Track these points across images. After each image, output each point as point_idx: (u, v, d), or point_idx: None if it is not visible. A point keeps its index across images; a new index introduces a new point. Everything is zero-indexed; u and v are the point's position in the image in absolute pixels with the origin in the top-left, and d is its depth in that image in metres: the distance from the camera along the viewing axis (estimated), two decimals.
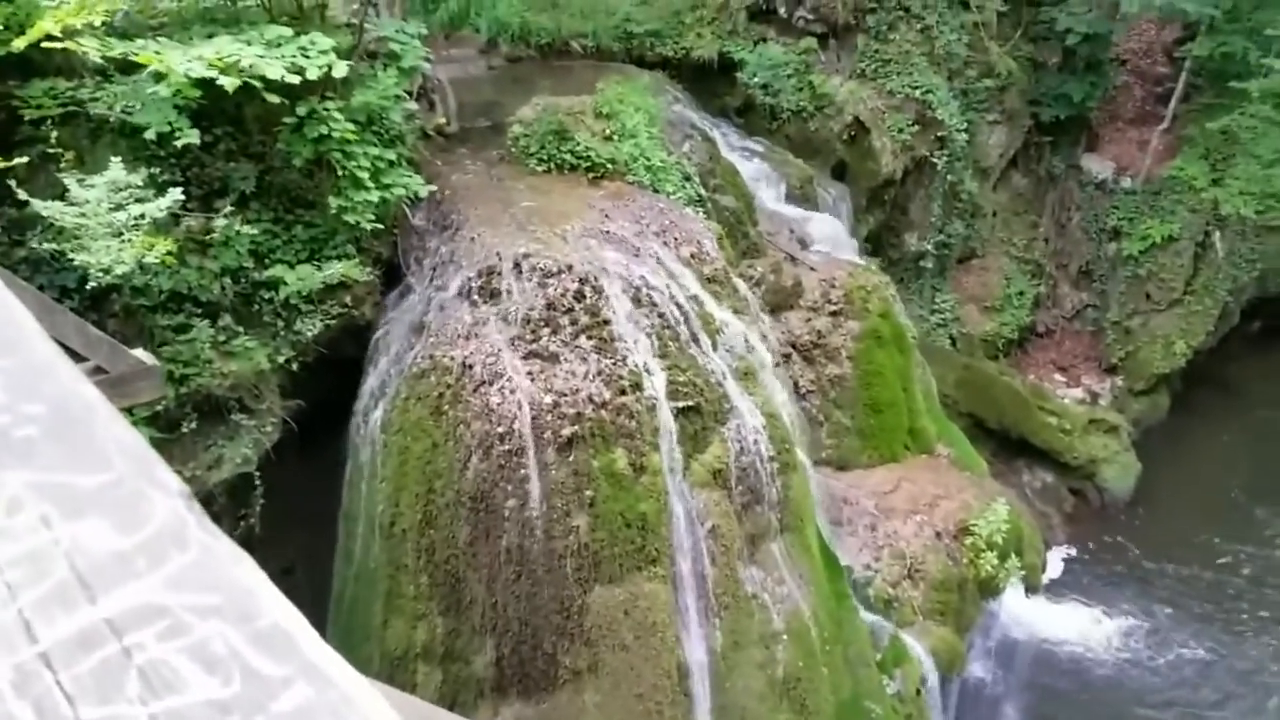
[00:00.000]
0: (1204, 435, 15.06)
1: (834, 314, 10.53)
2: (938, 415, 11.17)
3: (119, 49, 6.27)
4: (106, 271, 5.88)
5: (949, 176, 13.37)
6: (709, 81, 12.70)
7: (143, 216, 6.04)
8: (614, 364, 7.77)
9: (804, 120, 12.46)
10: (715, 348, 8.34)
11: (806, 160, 12.24)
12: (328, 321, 8.11)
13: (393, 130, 8.52)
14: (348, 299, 8.36)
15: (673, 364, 7.86)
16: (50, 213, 5.86)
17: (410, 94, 8.89)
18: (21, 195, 6.22)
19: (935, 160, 13.00)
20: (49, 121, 7.07)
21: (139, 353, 4.46)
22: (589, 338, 7.91)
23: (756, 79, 12.22)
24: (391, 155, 8.38)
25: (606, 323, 7.97)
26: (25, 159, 6.25)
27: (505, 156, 9.90)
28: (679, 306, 8.32)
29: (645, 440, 7.61)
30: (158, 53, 6.24)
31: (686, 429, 7.90)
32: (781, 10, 12.62)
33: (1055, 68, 14.51)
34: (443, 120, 10.03)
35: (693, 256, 8.83)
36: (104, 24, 6.60)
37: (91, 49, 6.16)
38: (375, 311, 8.75)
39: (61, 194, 6.45)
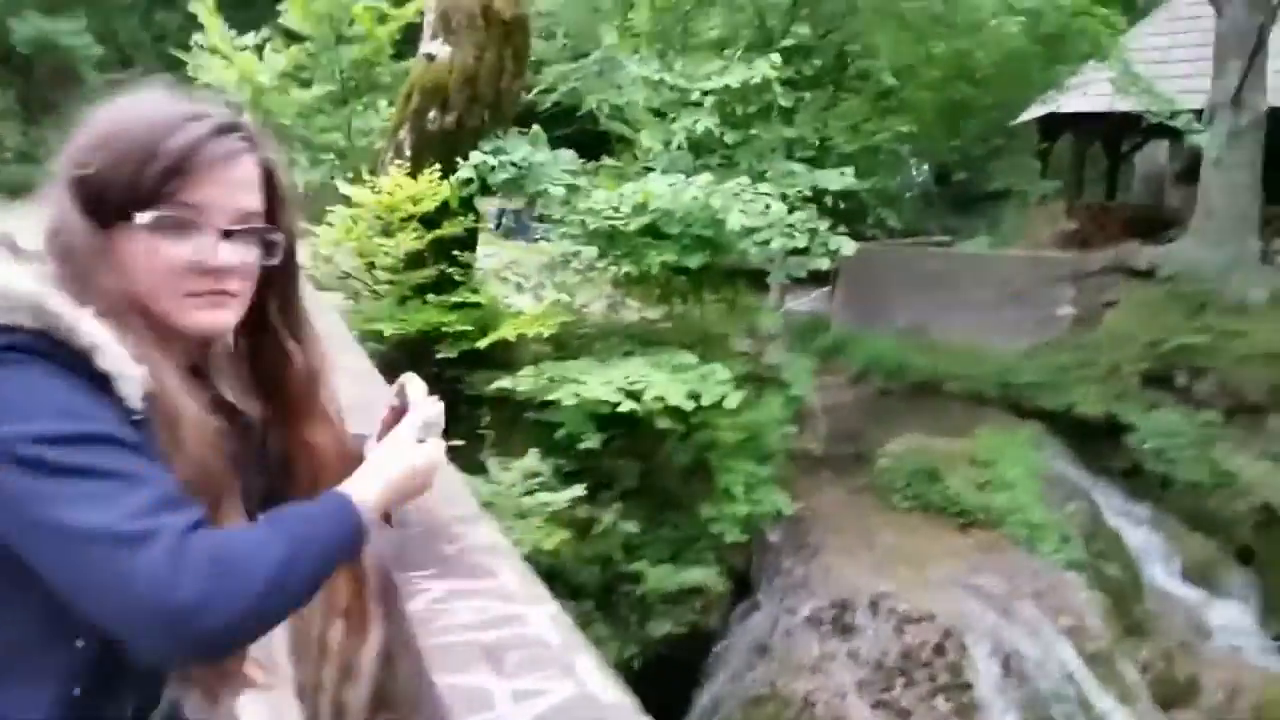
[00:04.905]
0: None
1: None
2: None
3: (550, 372, 7.20)
4: None
5: None
6: (1090, 439, 12.02)
7: (547, 504, 6.57)
8: None
9: (1201, 495, 11.27)
10: None
11: (1204, 538, 10.91)
12: (677, 625, 8.13)
13: (768, 449, 8.82)
14: (699, 605, 8.37)
15: None
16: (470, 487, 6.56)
17: (789, 418, 9.24)
18: None
19: None
20: (484, 404, 8.13)
21: None
22: (947, 699, 7.22)
23: (1148, 445, 11.39)
24: (764, 472, 8.61)
25: (969, 687, 7.26)
26: (462, 441, 7.13)
27: (868, 487, 9.83)
28: (1054, 683, 7.42)
29: None
30: (578, 378, 7.10)
31: None
32: (1181, 379, 11.90)
33: None
34: (812, 445, 10.27)
35: (1073, 628, 7.95)
36: (550, 336, 7.65)
37: (526, 383, 7.12)
38: (721, 623, 8.66)
39: (479, 470, 7.23)
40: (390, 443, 1.23)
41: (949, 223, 18.22)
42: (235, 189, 1.12)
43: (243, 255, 1.12)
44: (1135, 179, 18.87)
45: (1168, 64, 14.62)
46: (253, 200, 1.14)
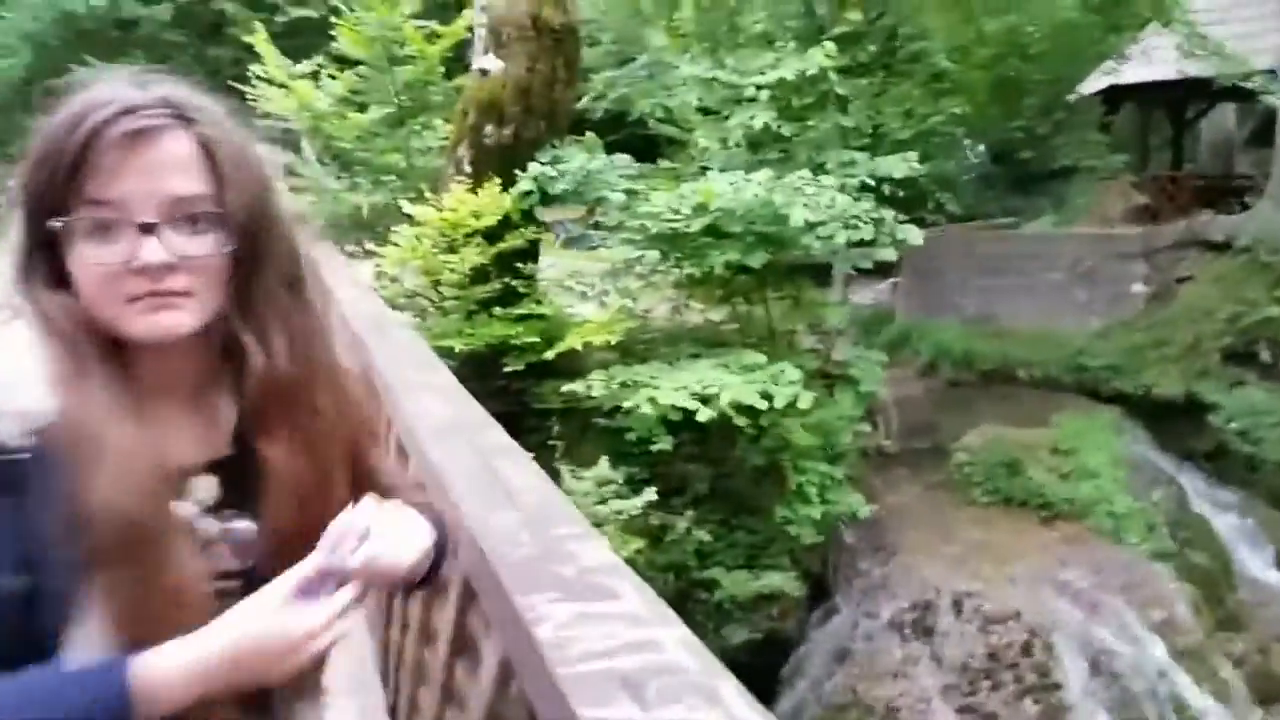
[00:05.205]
0: None
1: None
2: None
3: (621, 377, 7.16)
4: None
5: None
6: (1170, 421, 11.64)
7: (620, 513, 6.55)
8: None
9: None
10: None
11: None
12: (754, 631, 8.07)
13: (840, 448, 8.71)
14: (775, 611, 8.31)
15: None
16: None
17: (860, 415, 9.11)
18: None
19: None
20: (553, 415, 8.14)
21: None
22: (1035, 701, 7.08)
23: (1233, 424, 11.00)
24: (837, 472, 8.50)
25: (1057, 687, 7.11)
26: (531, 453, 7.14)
27: (946, 483, 9.66)
28: (1146, 682, 7.22)
29: None
30: (650, 381, 7.04)
31: None
32: (1265, 355, 11.46)
33: None
34: (886, 441, 10.12)
35: (1163, 623, 7.72)
36: (615, 343, 7.63)
37: (597, 388, 7.10)
38: (798, 628, 8.58)
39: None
40: (248, 603, 0.96)
41: (1009, 204, 17.78)
42: (156, 173, 0.96)
43: (181, 247, 0.96)
44: (1201, 147, 18.25)
45: (1229, 24, 14.05)
46: (188, 183, 0.97)
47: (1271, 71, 12.51)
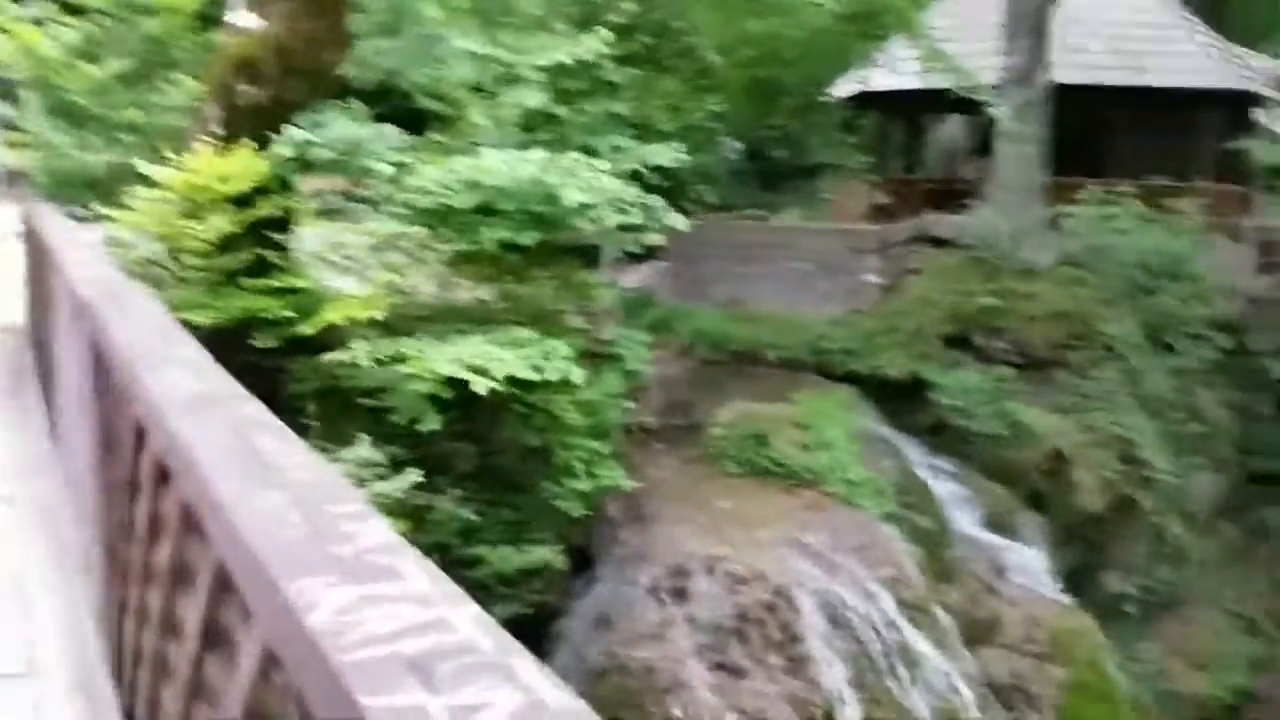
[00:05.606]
0: None
1: (1036, 656, 9.77)
2: None
3: (388, 350, 7.01)
4: None
5: (1154, 519, 12.70)
6: (899, 399, 12.84)
7: (384, 495, 6.44)
8: (805, 687, 7.40)
9: (999, 447, 12.29)
10: (914, 682, 7.84)
11: (1001, 487, 11.93)
12: (523, 607, 8.16)
13: (606, 425, 8.97)
14: (540, 584, 8.44)
15: (870, 696, 7.41)
16: None
17: (625, 393, 9.42)
18: None
19: (1140, 501, 12.42)
20: (308, 396, 7.82)
21: None
22: (779, 655, 7.63)
23: (949, 401, 12.29)
24: (604, 448, 8.76)
25: (799, 640, 7.70)
26: None
27: (701, 456, 10.17)
28: (877, 632, 7.97)
29: None
30: (419, 354, 6.93)
31: None
32: (978, 339, 12.88)
33: (1269, 419, 13.93)
34: (646, 417, 10.50)
35: (891, 579, 8.55)
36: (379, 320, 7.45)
37: (362, 356, 6.91)
38: (563, 599, 8.78)
39: None
40: None
41: (760, 198, 18.83)
42: None
43: None
44: (931, 153, 20.19)
45: (962, 42, 15.55)
46: None
47: (995, 87, 13.93)
